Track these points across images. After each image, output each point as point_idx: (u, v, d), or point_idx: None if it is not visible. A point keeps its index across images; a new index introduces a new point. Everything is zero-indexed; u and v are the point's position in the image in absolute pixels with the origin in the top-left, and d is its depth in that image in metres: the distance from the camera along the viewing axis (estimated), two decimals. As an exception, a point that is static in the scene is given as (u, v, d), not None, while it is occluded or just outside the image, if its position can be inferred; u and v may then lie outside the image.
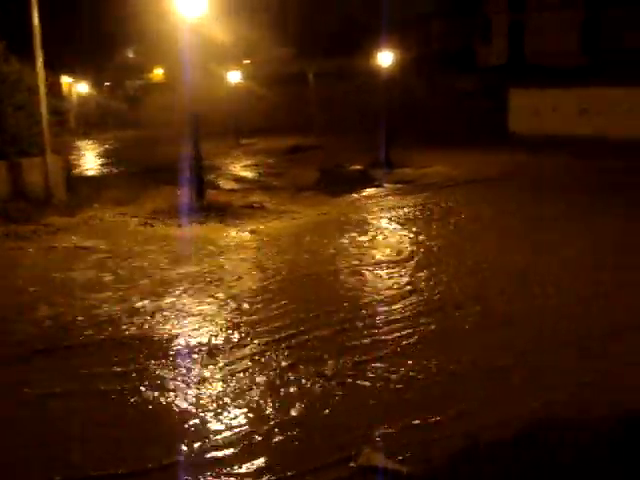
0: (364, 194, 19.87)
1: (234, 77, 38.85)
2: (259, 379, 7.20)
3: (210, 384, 7.13)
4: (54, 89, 26.04)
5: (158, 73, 61.35)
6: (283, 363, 7.59)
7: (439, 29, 45.28)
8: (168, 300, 9.93)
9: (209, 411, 6.55)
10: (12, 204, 16.61)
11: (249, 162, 29.48)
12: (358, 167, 23.86)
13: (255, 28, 44.58)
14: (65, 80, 52.87)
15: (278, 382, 7.12)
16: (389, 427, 6.12)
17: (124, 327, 8.85)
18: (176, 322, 9.04)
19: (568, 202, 17.27)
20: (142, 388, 7.06)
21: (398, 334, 8.35)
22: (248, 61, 47.25)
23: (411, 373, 7.24)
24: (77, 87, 55.83)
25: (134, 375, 7.38)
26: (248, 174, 26.29)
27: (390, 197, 19.17)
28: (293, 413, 6.46)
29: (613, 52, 39.00)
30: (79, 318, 9.21)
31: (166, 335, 8.54)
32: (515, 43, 42.61)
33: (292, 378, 7.21)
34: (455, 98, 38.88)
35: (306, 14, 46.34)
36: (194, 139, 17.53)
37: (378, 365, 7.46)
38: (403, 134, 28.73)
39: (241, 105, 38.88)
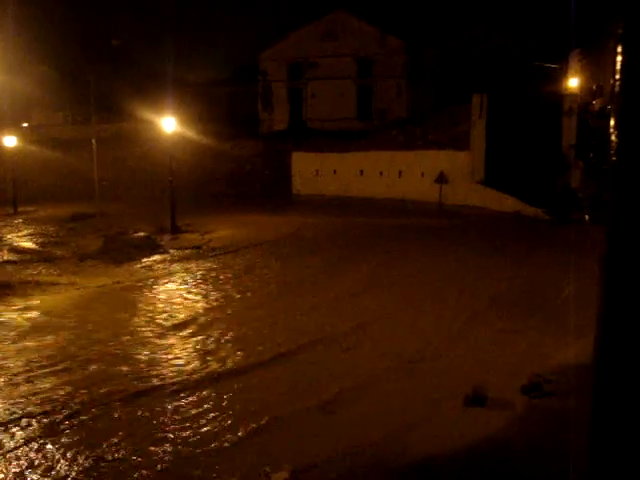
0: (148, 261, 19.66)
1: (9, 141, 37.03)
2: None
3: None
4: None
5: None
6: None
7: (224, 96, 46.45)
8: None
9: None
10: None
11: (28, 231, 28.06)
12: (143, 234, 23.57)
13: (34, 90, 43.14)
14: None
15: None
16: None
17: None
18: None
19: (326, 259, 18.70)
20: None
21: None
22: (26, 124, 45.36)
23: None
24: None
25: None
26: (27, 244, 25.00)
27: (174, 264, 19.16)
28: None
29: (383, 118, 42.19)
30: None
31: None
32: (295, 110, 44.78)
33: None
34: (241, 163, 39.92)
35: (82, 79, 45.50)
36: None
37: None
38: (190, 199, 28.94)
39: (19, 171, 37.13)
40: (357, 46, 43.35)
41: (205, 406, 8.50)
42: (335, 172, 36.22)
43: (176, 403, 8.65)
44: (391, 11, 43.27)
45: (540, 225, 24.83)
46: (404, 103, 43.45)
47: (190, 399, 8.77)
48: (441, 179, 30.85)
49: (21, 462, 7.12)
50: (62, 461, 7.11)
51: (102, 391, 9.07)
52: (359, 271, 16.82)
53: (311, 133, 41.05)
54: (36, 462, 7.09)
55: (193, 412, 8.35)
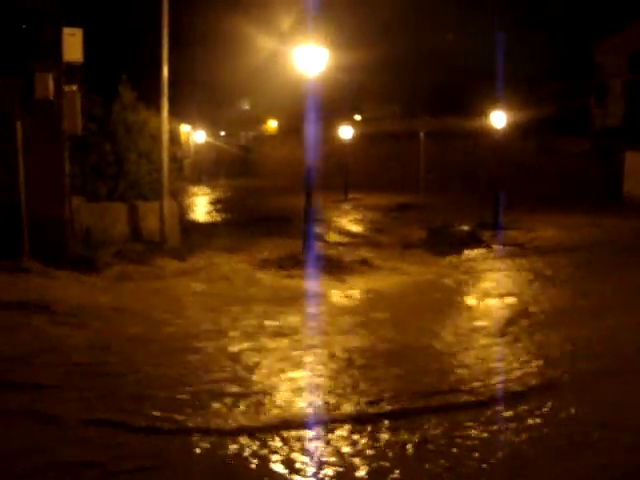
0: (472, 255, 19.67)
1: (346, 132, 39.50)
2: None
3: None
4: (173, 137, 27.29)
5: (272, 125, 63.35)
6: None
7: (551, 91, 44.80)
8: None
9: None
10: (129, 245, 17.16)
11: (356, 217, 29.80)
12: (465, 227, 23.68)
13: (366, 85, 45.55)
14: (183, 129, 55.41)
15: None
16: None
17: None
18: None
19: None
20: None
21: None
22: (359, 117, 48.12)
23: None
24: (194, 135, 58.28)
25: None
26: (355, 228, 26.55)
27: (499, 260, 18.92)
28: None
29: None
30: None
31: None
32: (632, 106, 41.61)
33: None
34: (567, 161, 38.24)
35: (414, 73, 46.82)
36: (307, 192, 17.80)
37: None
38: (512, 196, 28.36)
39: (350, 160, 39.50)
40: None
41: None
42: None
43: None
44: None
45: None
46: None
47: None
48: None
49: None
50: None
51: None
52: None
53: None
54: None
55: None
